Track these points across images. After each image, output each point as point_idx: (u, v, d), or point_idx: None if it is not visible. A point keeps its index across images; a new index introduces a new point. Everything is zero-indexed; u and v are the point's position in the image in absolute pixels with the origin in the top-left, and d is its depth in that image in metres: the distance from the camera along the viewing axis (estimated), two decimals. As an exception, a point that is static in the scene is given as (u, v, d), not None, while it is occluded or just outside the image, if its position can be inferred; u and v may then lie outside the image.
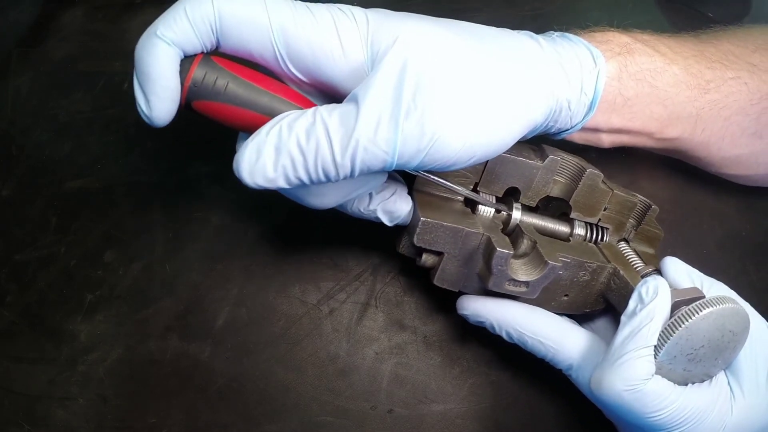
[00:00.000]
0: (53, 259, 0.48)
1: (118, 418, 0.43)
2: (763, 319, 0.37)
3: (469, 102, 0.32)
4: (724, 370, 0.37)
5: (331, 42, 0.32)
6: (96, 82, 0.56)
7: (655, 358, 0.34)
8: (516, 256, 0.40)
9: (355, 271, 0.48)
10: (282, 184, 0.32)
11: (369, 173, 0.32)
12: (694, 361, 0.35)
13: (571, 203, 0.42)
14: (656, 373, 0.35)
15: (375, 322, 0.46)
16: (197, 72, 0.31)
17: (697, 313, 0.33)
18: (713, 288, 0.38)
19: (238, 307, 0.46)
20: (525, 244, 0.40)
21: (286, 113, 0.32)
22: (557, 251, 0.39)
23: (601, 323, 0.44)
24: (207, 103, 0.32)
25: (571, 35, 0.40)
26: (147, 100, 0.31)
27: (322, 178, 0.31)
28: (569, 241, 0.42)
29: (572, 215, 0.42)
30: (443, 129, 0.31)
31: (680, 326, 0.33)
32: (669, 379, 0.35)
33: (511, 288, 0.38)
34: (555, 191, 0.42)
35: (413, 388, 0.45)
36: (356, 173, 0.31)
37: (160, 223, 0.49)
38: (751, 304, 0.38)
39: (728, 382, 0.37)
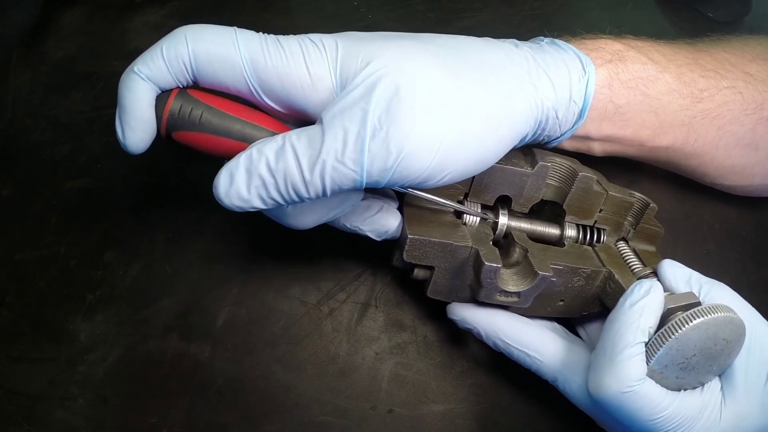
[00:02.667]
0: (53, 259, 0.48)
1: (118, 418, 0.43)
2: (762, 321, 0.37)
3: (436, 119, 0.32)
4: (718, 376, 0.37)
5: (300, 73, 0.33)
6: (96, 82, 0.56)
7: (646, 365, 0.34)
8: (508, 265, 0.39)
9: (355, 271, 0.48)
10: (257, 204, 0.33)
11: (343, 192, 0.33)
12: (687, 369, 0.34)
13: (564, 207, 0.42)
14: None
15: (375, 322, 0.46)
16: (173, 105, 0.33)
17: (688, 323, 0.33)
18: (713, 290, 0.37)
19: (238, 307, 0.46)
20: (517, 253, 0.40)
21: (260, 140, 0.33)
22: (549, 259, 0.39)
23: (596, 326, 0.44)
24: (185, 133, 0.34)
25: (560, 42, 0.39)
26: (123, 130, 0.33)
27: (294, 197, 0.33)
28: (563, 245, 0.42)
29: (567, 219, 0.42)
30: (409, 148, 0.31)
31: (670, 336, 0.33)
32: (662, 386, 0.35)
33: (502, 299, 0.38)
34: (548, 195, 0.42)
35: (413, 388, 0.45)
36: (328, 192, 0.32)
37: (160, 223, 0.49)
38: (751, 304, 0.37)
39: (721, 388, 0.36)
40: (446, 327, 0.46)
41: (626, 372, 0.34)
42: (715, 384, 0.36)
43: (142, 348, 0.45)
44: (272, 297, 0.47)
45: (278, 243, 0.48)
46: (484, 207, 0.41)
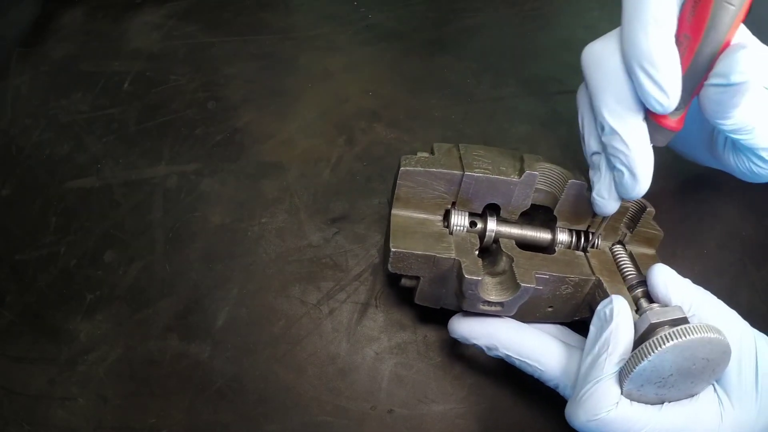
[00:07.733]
0: (53, 259, 0.48)
1: (118, 418, 0.43)
2: (751, 330, 0.37)
3: None
4: (713, 383, 0.36)
5: None
6: (96, 82, 0.56)
7: (621, 386, 0.34)
8: (494, 274, 0.39)
9: (355, 271, 0.48)
10: None
11: None
12: (666, 386, 0.34)
13: (555, 213, 0.41)
14: (629, 398, 0.34)
15: (375, 322, 0.46)
16: None
17: (660, 346, 0.32)
18: (702, 303, 0.37)
19: (238, 307, 0.46)
20: (503, 261, 0.40)
21: None
22: (536, 268, 0.38)
23: None
24: None
25: None
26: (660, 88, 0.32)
27: None
28: (554, 251, 0.41)
29: (558, 224, 0.42)
30: None
31: (642, 360, 0.33)
32: (643, 402, 0.35)
33: (485, 308, 0.38)
34: (539, 200, 0.42)
35: (413, 388, 0.45)
36: None
37: (160, 223, 0.49)
38: (751, 305, 0.37)
39: (716, 393, 0.36)
40: (446, 327, 0.46)
41: (593, 403, 0.34)
42: (708, 392, 0.36)
43: (142, 348, 0.45)
44: (272, 297, 0.47)
45: (279, 243, 0.48)
46: (472, 215, 0.41)
